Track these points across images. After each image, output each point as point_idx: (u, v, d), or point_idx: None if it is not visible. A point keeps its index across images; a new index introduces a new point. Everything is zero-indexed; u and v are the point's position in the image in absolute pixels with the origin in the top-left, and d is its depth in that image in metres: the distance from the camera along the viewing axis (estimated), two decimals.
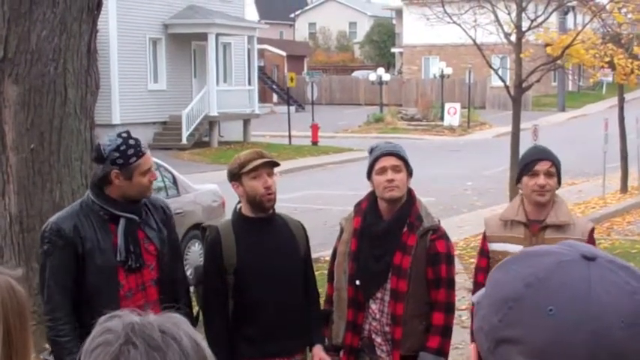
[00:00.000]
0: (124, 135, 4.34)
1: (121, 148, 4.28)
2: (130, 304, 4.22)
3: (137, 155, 4.29)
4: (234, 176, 4.58)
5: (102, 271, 4.29)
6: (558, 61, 18.77)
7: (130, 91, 30.98)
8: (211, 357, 1.41)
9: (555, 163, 4.81)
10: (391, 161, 4.71)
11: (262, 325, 4.57)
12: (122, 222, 4.33)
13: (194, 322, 4.49)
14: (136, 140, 4.35)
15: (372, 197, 4.83)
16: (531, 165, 4.79)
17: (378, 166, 4.72)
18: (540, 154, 4.87)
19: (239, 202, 4.69)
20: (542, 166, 4.75)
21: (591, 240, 4.82)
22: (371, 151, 4.83)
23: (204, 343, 1.40)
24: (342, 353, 4.89)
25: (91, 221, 4.32)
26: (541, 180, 4.73)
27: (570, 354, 1.12)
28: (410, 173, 4.77)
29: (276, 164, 4.63)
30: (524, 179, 4.80)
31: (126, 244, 4.31)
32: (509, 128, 19.32)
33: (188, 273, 5.42)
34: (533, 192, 4.76)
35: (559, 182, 4.86)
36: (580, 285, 1.14)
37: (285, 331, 4.60)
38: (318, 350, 4.74)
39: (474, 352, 1.23)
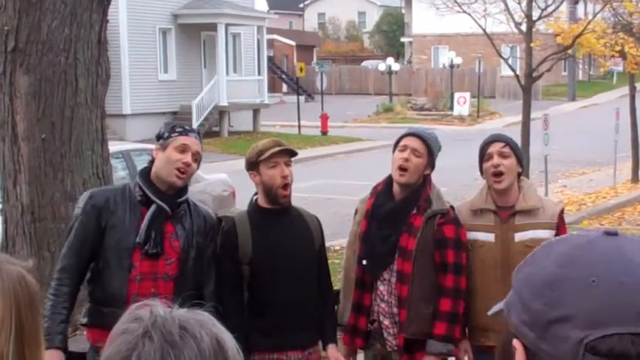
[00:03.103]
0: (187, 125, 4.51)
1: (173, 126, 4.41)
2: (138, 288, 4.26)
3: (180, 133, 4.33)
4: (252, 165, 4.54)
5: (118, 248, 4.31)
6: (569, 51, 18.72)
7: (140, 82, 31.01)
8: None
9: (510, 144, 4.78)
10: (414, 143, 4.69)
11: (276, 317, 4.55)
12: (152, 207, 4.33)
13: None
14: (192, 129, 4.45)
15: (388, 179, 4.82)
16: (485, 149, 4.79)
17: (401, 142, 4.73)
18: (491, 138, 4.88)
19: (256, 193, 4.67)
20: (494, 147, 4.75)
21: (561, 221, 4.79)
22: None
23: (229, 345, 1.37)
24: (344, 333, 4.89)
25: (126, 201, 4.36)
26: (495, 160, 4.71)
27: (622, 315, 1.16)
28: (431, 164, 4.75)
29: (294, 153, 4.61)
30: (484, 166, 4.79)
31: (148, 229, 4.31)
32: (519, 118, 19.29)
33: None
34: (491, 177, 4.74)
35: (521, 166, 4.82)
36: (613, 253, 1.21)
37: (299, 323, 4.57)
38: (332, 350, 4.68)
39: (520, 347, 1.25)
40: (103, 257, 4.35)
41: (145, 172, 4.41)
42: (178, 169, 4.28)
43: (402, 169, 4.66)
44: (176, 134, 4.32)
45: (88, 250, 4.37)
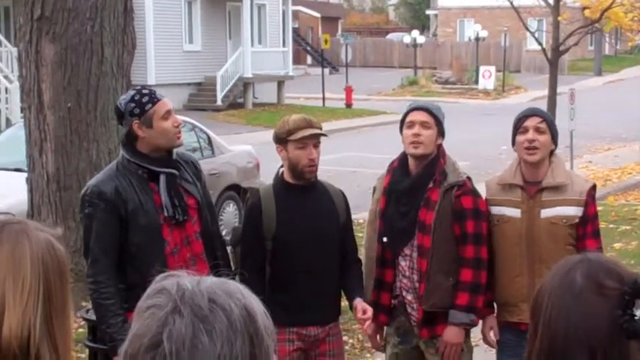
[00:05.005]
0: (138, 88, 4.43)
1: (136, 97, 4.31)
2: (177, 260, 4.25)
3: (152, 102, 4.30)
4: (281, 140, 4.54)
5: (147, 230, 4.28)
6: (596, 24, 18.55)
7: (165, 52, 30.99)
8: (267, 328, 1.37)
9: (547, 120, 4.73)
10: (420, 116, 4.68)
11: (298, 292, 4.55)
12: (163, 178, 4.33)
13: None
14: (150, 90, 4.40)
15: (403, 155, 4.81)
16: (521, 122, 4.73)
17: (407, 119, 4.71)
18: (529, 111, 4.81)
19: (281, 166, 4.66)
20: (531, 121, 4.69)
21: (590, 199, 4.70)
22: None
23: (258, 311, 1.36)
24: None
25: (130, 182, 4.31)
26: (529, 135, 4.65)
27: None
28: (442, 133, 4.74)
29: (324, 134, 4.60)
30: (517, 138, 4.73)
31: (171, 200, 4.32)
32: (544, 92, 19.16)
33: (223, 234, 5.40)
34: (524, 149, 4.68)
35: (555, 143, 4.76)
36: None
37: (321, 299, 4.58)
38: (359, 302, 4.59)
39: None
40: (133, 244, 4.29)
41: (133, 147, 4.34)
42: (176, 133, 4.36)
43: (416, 142, 4.64)
44: (150, 105, 4.29)
45: (115, 245, 4.30)
